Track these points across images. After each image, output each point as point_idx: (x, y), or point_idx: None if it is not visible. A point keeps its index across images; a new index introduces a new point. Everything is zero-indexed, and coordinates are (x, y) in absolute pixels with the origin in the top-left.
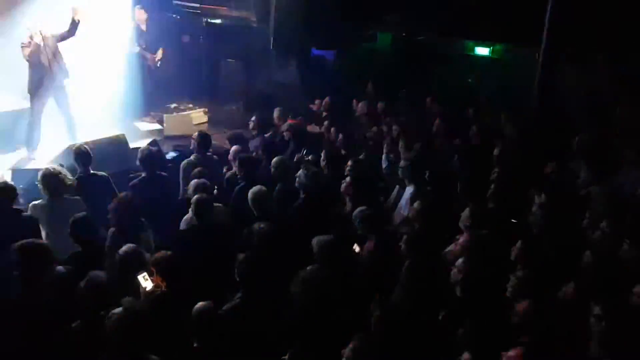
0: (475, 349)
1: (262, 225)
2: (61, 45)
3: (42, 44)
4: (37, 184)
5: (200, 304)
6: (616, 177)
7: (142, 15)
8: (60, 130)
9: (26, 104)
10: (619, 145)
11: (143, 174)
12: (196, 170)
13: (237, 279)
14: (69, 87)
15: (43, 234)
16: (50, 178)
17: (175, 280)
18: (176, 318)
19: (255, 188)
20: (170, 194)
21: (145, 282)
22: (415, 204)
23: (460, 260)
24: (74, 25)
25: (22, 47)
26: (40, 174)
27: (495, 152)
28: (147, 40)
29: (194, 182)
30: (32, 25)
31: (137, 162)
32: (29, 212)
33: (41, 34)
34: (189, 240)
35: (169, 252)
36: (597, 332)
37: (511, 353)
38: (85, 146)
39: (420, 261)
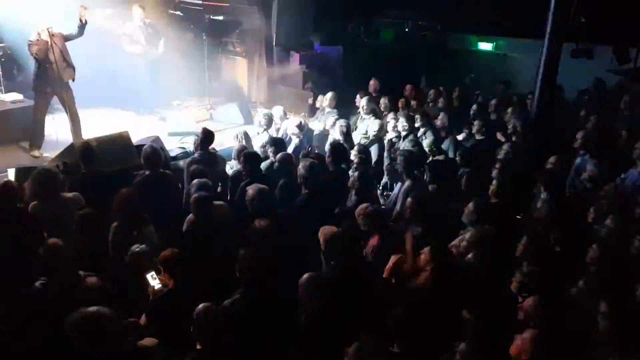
0: (473, 341)
1: (261, 222)
2: (68, 44)
3: (49, 42)
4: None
5: (200, 305)
6: (622, 172)
7: (141, 12)
8: (64, 127)
9: (31, 101)
10: (625, 139)
11: (147, 172)
12: (194, 167)
13: (238, 275)
14: (74, 85)
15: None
16: (39, 178)
17: (183, 278)
18: (185, 315)
19: (254, 186)
20: (173, 191)
21: (153, 280)
22: (409, 200)
23: (471, 255)
24: (82, 26)
25: (29, 44)
26: (31, 176)
27: (501, 147)
28: (150, 36)
29: (195, 181)
30: (40, 23)
31: (141, 160)
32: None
33: (49, 31)
34: (193, 238)
35: (176, 250)
36: (603, 329)
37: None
38: (90, 143)
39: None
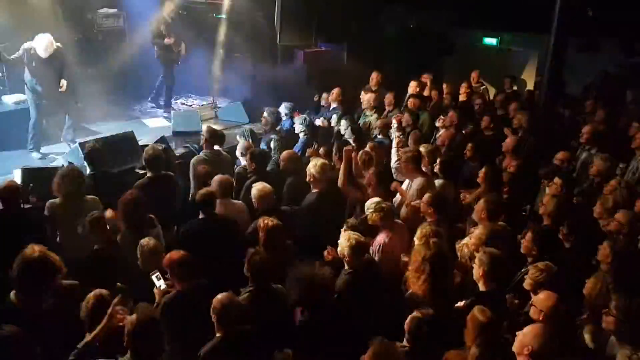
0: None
1: (267, 221)
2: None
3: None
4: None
5: (220, 294)
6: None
7: (170, 7)
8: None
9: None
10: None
11: (149, 174)
12: (201, 167)
13: (247, 274)
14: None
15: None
16: (66, 178)
17: (190, 279)
18: (192, 317)
19: (258, 184)
20: (175, 193)
21: (159, 281)
22: (425, 196)
23: (481, 253)
24: None
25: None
26: (58, 173)
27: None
28: (175, 32)
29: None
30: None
31: (143, 162)
32: (46, 211)
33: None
34: (198, 236)
35: (183, 253)
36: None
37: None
38: (96, 144)
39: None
